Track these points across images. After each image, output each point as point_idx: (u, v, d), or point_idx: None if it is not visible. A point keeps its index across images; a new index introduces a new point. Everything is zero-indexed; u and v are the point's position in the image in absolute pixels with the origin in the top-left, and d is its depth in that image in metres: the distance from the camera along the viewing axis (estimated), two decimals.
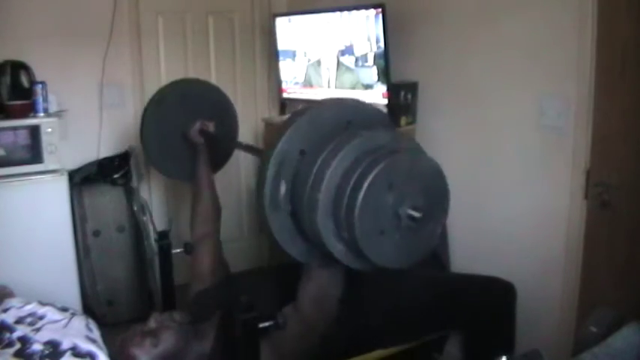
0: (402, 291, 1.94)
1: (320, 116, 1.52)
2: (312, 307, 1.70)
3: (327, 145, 1.43)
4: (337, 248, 1.44)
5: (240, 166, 3.74)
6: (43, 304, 1.95)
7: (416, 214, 1.39)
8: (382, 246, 1.41)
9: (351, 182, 1.36)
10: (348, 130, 1.50)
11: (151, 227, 2.94)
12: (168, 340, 1.69)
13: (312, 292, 1.69)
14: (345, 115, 1.55)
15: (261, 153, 2.47)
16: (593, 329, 1.37)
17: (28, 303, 1.94)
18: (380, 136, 1.46)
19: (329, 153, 1.41)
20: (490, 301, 1.98)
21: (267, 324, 1.54)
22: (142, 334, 1.70)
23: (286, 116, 3.34)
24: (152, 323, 1.74)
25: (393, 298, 1.96)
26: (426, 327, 1.94)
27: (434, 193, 1.47)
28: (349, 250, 1.43)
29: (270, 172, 1.45)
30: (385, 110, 2.67)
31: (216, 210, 2.33)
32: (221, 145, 2.59)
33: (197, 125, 2.43)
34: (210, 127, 2.45)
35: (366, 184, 1.34)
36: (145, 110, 2.56)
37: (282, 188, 1.47)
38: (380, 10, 2.63)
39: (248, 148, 2.54)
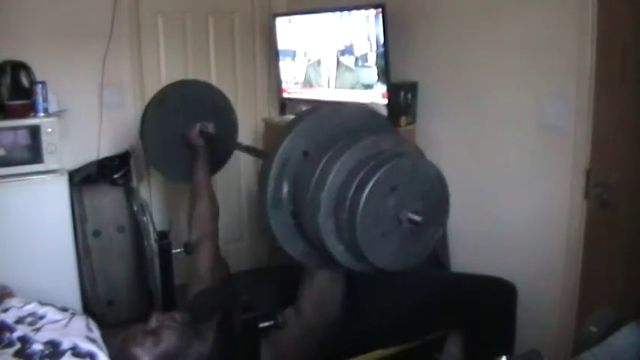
0: (403, 290, 1.94)
1: (324, 119, 1.53)
2: (313, 310, 1.70)
3: (330, 148, 1.43)
4: (337, 249, 1.44)
5: (241, 168, 3.74)
6: (43, 304, 1.95)
7: (417, 218, 1.40)
8: (382, 248, 1.41)
9: (354, 185, 1.36)
10: (351, 134, 1.50)
11: (150, 227, 2.94)
12: (169, 340, 1.69)
13: (314, 295, 1.69)
14: (350, 121, 1.55)
15: (261, 154, 2.47)
16: (593, 329, 1.37)
17: (28, 303, 1.94)
18: (383, 139, 1.46)
19: (332, 155, 1.41)
20: (491, 301, 1.98)
21: (267, 324, 1.54)
22: (143, 334, 1.70)
23: (287, 117, 3.35)
24: (153, 323, 1.74)
25: (394, 297, 1.96)
26: (427, 327, 1.94)
27: (435, 197, 1.47)
28: (349, 251, 1.44)
29: (272, 172, 1.46)
30: (385, 111, 2.68)
31: (214, 211, 2.34)
32: (221, 146, 2.59)
33: (197, 127, 2.43)
34: (210, 128, 2.45)
35: (368, 187, 1.34)
36: (145, 111, 2.55)
37: (285, 188, 1.47)
38: (380, 10, 2.63)
39: (248, 149, 2.55)
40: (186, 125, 2.47)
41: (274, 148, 1.48)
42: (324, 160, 1.42)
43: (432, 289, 2.01)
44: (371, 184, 1.34)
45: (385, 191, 1.37)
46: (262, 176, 1.48)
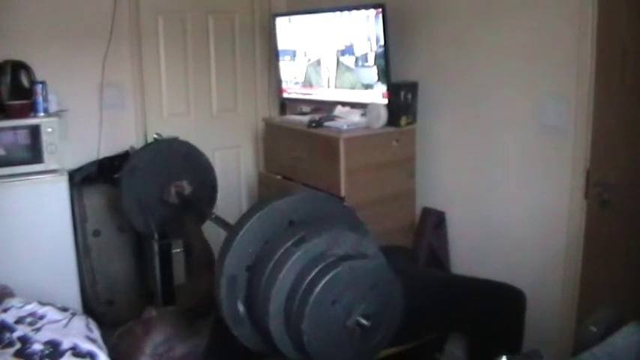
0: (412, 291, 1.93)
1: (255, 227, 1.49)
2: None
3: (269, 260, 1.42)
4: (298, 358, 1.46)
5: (241, 167, 3.76)
6: (43, 304, 1.95)
7: (365, 323, 1.39)
8: (336, 356, 1.41)
9: (295, 305, 1.36)
10: (289, 230, 1.48)
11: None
12: (160, 330, 1.70)
13: None
14: (285, 217, 1.52)
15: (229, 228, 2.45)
16: (593, 329, 1.37)
17: (28, 303, 1.94)
18: (319, 244, 1.43)
19: (271, 272, 1.41)
20: (500, 307, 1.97)
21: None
22: (134, 323, 1.72)
23: (287, 117, 3.35)
24: (146, 314, 1.75)
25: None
26: (434, 328, 1.94)
27: (383, 290, 1.44)
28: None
29: (223, 294, 1.45)
30: (385, 111, 2.68)
31: (209, 262, 2.29)
32: (201, 201, 2.61)
33: (172, 189, 2.45)
34: (185, 187, 2.48)
35: (307, 309, 1.34)
36: (121, 184, 2.66)
37: (240, 308, 1.48)
38: (380, 10, 2.63)
39: (219, 222, 2.39)
40: (163, 186, 2.54)
41: (218, 270, 1.46)
42: (264, 280, 1.41)
43: (441, 291, 2.01)
44: (309, 306, 1.33)
45: (327, 305, 1.35)
46: (216, 298, 1.48)
